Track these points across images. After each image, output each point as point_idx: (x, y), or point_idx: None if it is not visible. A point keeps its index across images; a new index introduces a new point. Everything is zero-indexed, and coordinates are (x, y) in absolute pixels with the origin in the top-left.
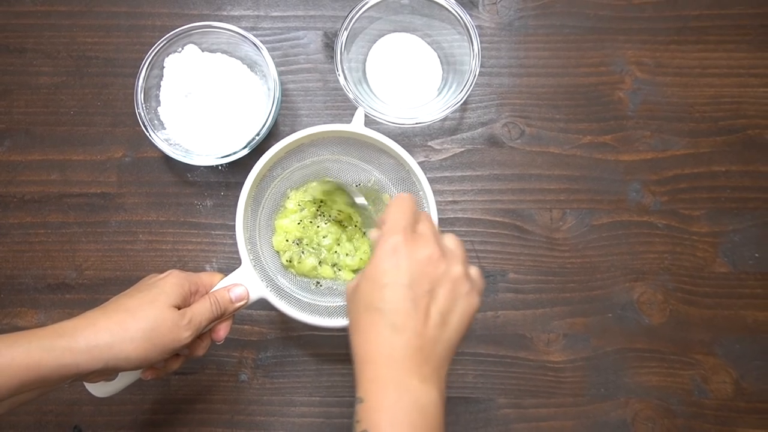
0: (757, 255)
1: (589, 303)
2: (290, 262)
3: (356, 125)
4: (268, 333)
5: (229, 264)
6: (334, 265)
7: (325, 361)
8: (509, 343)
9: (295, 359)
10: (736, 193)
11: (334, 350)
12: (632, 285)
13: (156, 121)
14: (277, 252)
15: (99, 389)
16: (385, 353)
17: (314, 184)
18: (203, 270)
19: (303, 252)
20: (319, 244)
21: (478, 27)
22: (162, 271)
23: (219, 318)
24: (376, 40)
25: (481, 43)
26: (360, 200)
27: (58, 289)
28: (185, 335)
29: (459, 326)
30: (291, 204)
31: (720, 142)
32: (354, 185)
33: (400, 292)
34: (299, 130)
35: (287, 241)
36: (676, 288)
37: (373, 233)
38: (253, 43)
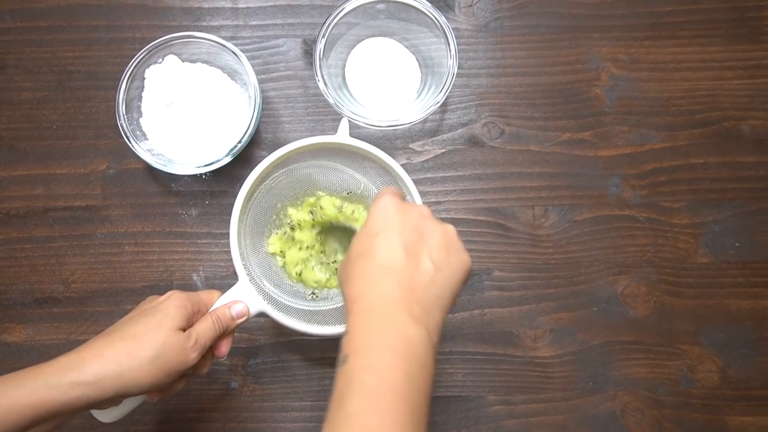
0: (737, 244)
1: (574, 298)
2: (299, 275)
3: (342, 136)
4: (257, 339)
5: (216, 272)
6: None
7: (316, 365)
8: (497, 340)
9: (286, 364)
10: (714, 184)
11: (324, 354)
12: (616, 278)
13: (138, 132)
14: (277, 257)
15: (105, 415)
16: (375, 292)
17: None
18: (191, 279)
19: (314, 266)
20: (328, 259)
21: (455, 29)
22: (149, 282)
23: (221, 335)
24: (355, 45)
25: (458, 44)
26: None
27: (45, 303)
28: (192, 357)
29: (452, 278)
30: (297, 232)
31: (697, 135)
32: (345, 193)
33: (391, 238)
34: (281, 135)
35: (299, 260)
36: (660, 280)
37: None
38: (233, 52)
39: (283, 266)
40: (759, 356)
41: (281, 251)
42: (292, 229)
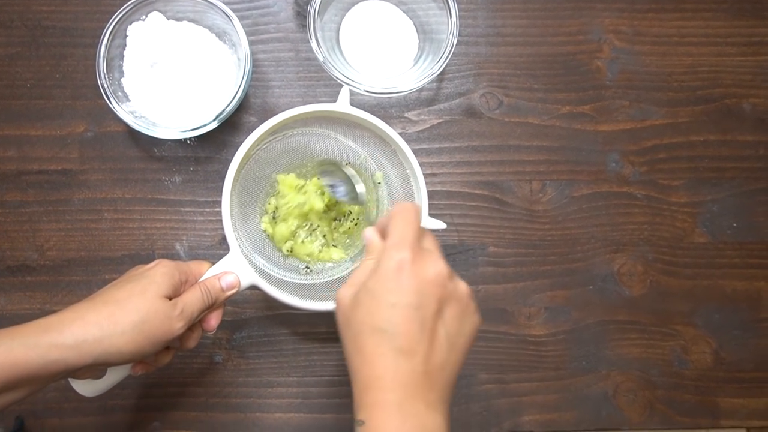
0: (735, 225)
1: (570, 275)
2: (290, 251)
3: (342, 104)
4: (242, 312)
5: (200, 242)
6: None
7: (303, 340)
8: (490, 317)
9: (272, 338)
10: (714, 162)
11: (312, 329)
12: (612, 257)
13: (120, 93)
14: (268, 236)
15: (87, 388)
16: (389, 378)
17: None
18: (173, 249)
19: (306, 237)
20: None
21: None
22: (130, 251)
23: (210, 307)
24: (350, 8)
25: (458, 11)
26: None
27: (18, 272)
28: (178, 326)
29: (465, 348)
30: (288, 192)
31: (698, 112)
32: (344, 163)
33: (407, 314)
34: (270, 101)
35: (290, 231)
36: (656, 259)
37: (368, 233)
38: (222, 11)
39: (273, 243)
40: (753, 338)
41: (268, 229)
42: (274, 217)
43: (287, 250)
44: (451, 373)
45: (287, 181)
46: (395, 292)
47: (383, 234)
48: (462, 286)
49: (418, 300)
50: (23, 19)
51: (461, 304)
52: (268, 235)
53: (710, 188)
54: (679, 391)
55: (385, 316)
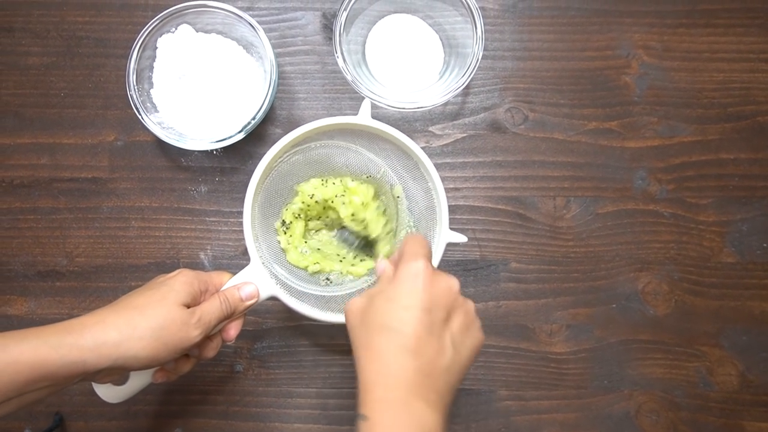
0: (765, 245)
1: (593, 293)
2: (317, 272)
3: (364, 117)
4: (264, 322)
5: (224, 252)
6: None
7: (323, 351)
8: (511, 333)
9: (292, 349)
10: (744, 181)
11: (331, 341)
12: (637, 275)
13: (149, 104)
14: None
15: (109, 393)
16: (395, 374)
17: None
18: (198, 258)
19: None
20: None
21: (481, 8)
22: (155, 259)
23: (229, 317)
24: (376, 21)
25: (484, 25)
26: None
27: (48, 277)
28: (195, 334)
29: (467, 359)
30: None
31: (728, 129)
32: (364, 176)
33: (418, 316)
34: (296, 113)
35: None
36: (682, 278)
37: (380, 263)
38: (250, 24)
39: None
40: None
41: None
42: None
43: (312, 272)
44: (453, 378)
45: (306, 188)
46: (410, 295)
47: (396, 267)
48: (470, 303)
49: (430, 305)
50: (59, 30)
51: (468, 317)
52: (282, 249)
53: (740, 207)
54: (703, 413)
55: (397, 316)
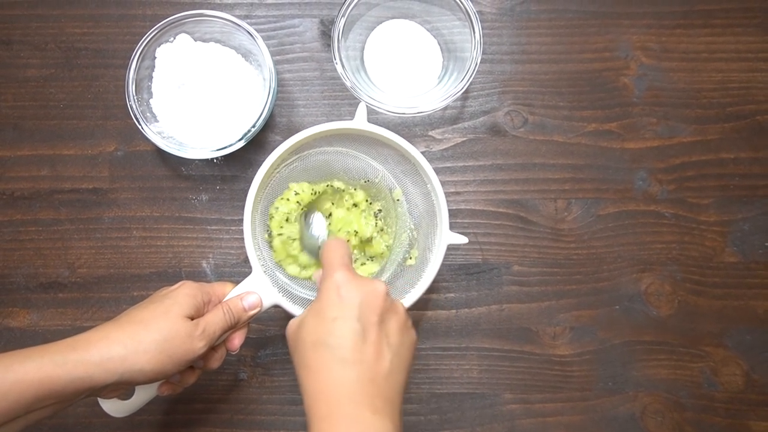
0: (767, 244)
1: (596, 295)
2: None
3: (359, 121)
4: (267, 330)
5: (226, 260)
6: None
7: None
8: (514, 337)
9: None
10: (745, 180)
11: None
12: (639, 276)
13: (148, 114)
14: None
15: (115, 408)
16: (336, 389)
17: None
18: (200, 266)
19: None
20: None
21: (479, 12)
22: (158, 269)
23: (233, 327)
24: (374, 27)
25: (482, 29)
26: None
27: (50, 288)
28: (199, 346)
29: (407, 359)
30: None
31: (728, 129)
32: (363, 181)
33: (348, 325)
34: (295, 120)
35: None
36: (685, 278)
37: (316, 273)
38: (248, 32)
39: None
40: None
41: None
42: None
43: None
44: (397, 381)
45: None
46: (335, 307)
47: None
48: (399, 303)
49: (358, 312)
50: (57, 42)
51: (400, 317)
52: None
53: (741, 206)
54: (708, 414)
55: (326, 330)
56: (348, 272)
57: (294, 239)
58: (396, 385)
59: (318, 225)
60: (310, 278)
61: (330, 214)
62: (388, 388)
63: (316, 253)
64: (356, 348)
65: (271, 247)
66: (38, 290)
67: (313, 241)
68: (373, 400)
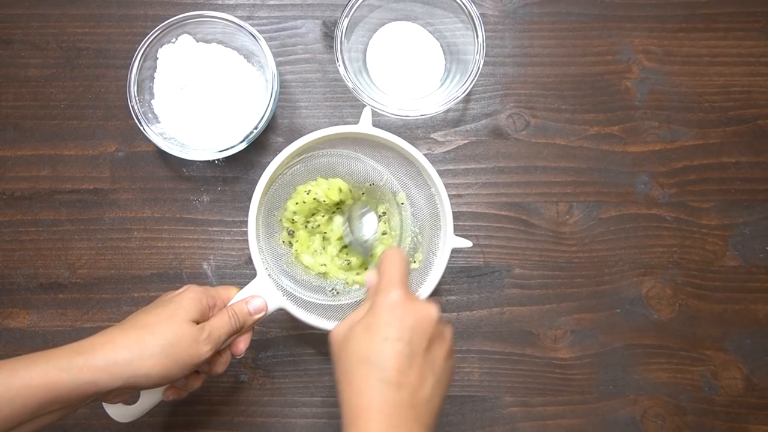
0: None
1: (597, 298)
2: (324, 274)
3: (365, 125)
4: (268, 332)
5: (227, 261)
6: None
7: (328, 360)
8: (515, 339)
9: (297, 358)
10: (746, 184)
11: None
12: (641, 279)
13: (150, 115)
14: (289, 245)
15: (120, 413)
16: (377, 408)
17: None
18: (201, 268)
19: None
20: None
21: (481, 15)
22: (158, 270)
23: (238, 331)
24: (377, 29)
25: (484, 31)
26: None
27: (50, 289)
28: (205, 350)
29: (447, 385)
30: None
31: (730, 133)
32: (367, 184)
33: (398, 348)
34: (297, 121)
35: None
36: (686, 282)
37: (369, 275)
38: (250, 33)
39: (305, 267)
40: None
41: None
42: (291, 234)
43: (321, 274)
44: (435, 406)
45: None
46: (388, 327)
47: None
48: (449, 330)
49: (409, 335)
50: (58, 41)
51: (448, 344)
52: (289, 244)
53: (742, 211)
54: (709, 417)
55: (376, 349)
56: (405, 292)
57: (319, 231)
58: (434, 410)
59: (370, 223)
60: (324, 272)
61: (383, 213)
62: (426, 413)
63: (364, 249)
64: (402, 371)
65: (291, 236)
66: (38, 291)
67: (362, 237)
68: (410, 425)
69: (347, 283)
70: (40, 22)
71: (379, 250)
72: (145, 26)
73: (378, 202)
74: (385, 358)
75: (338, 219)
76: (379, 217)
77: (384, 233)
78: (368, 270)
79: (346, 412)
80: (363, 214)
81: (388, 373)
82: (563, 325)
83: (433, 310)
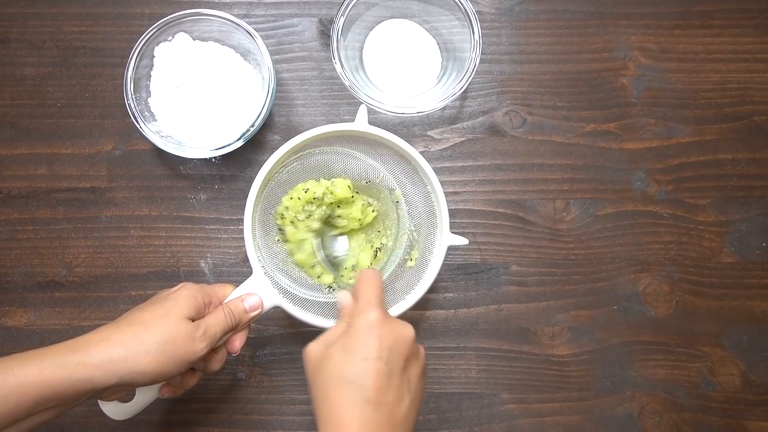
0: (764, 244)
1: (594, 295)
2: (319, 277)
3: (360, 123)
4: (265, 329)
5: (224, 259)
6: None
7: None
8: (513, 337)
9: (294, 356)
10: (742, 181)
11: None
12: (638, 276)
13: (147, 113)
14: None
15: (116, 411)
16: (358, 427)
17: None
18: (198, 266)
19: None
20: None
21: (478, 12)
22: (155, 268)
23: (233, 329)
24: (373, 27)
25: (481, 29)
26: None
27: (47, 287)
28: (200, 347)
29: (421, 401)
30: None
31: (726, 129)
32: (364, 181)
33: (377, 367)
34: (294, 119)
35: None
36: (683, 279)
37: (342, 296)
38: (247, 31)
39: (301, 268)
40: None
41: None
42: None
43: (317, 277)
44: (411, 423)
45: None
46: (367, 347)
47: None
48: (421, 349)
49: (387, 355)
50: (54, 40)
51: (422, 363)
52: (282, 241)
53: (738, 207)
54: (706, 414)
55: (356, 369)
56: (383, 313)
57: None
58: (409, 427)
59: (342, 243)
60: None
61: (380, 248)
62: (404, 430)
63: (333, 265)
64: (381, 390)
65: (282, 232)
66: (35, 289)
67: (333, 254)
68: None
69: (338, 285)
70: (37, 20)
71: (349, 265)
72: (142, 25)
73: (374, 200)
74: (365, 377)
75: (313, 241)
76: (377, 250)
77: (379, 249)
78: (340, 291)
79: (325, 430)
80: (336, 236)
81: (367, 391)
82: (560, 322)
83: (409, 330)
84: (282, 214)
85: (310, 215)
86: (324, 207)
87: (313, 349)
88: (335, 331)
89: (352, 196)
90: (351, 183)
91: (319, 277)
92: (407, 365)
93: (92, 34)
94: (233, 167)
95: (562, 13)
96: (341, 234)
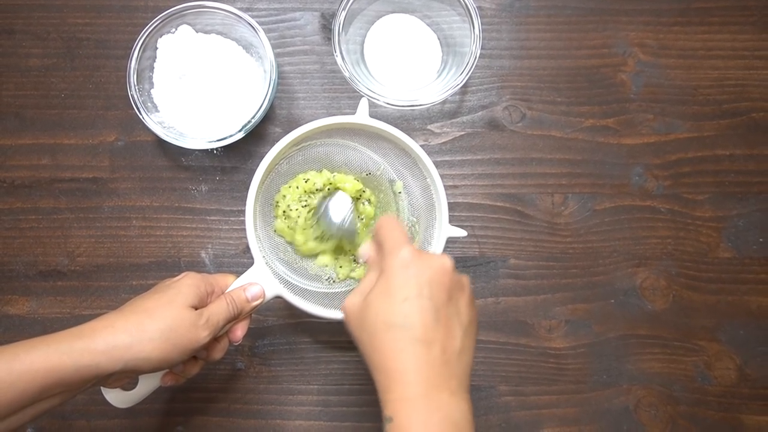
0: (761, 240)
1: (591, 289)
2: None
3: (361, 116)
4: (265, 320)
5: (225, 250)
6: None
7: (324, 348)
8: (510, 329)
9: (293, 346)
10: (740, 177)
11: (332, 337)
12: (635, 270)
13: (149, 104)
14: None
15: (119, 398)
16: (411, 370)
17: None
18: (199, 256)
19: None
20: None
21: (478, 7)
22: (156, 258)
23: (236, 318)
24: (374, 21)
25: (481, 24)
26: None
27: (50, 276)
28: (203, 335)
29: (475, 334)
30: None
31: (724, 126)
32: (364, 174)
33: (420, 305)
34: (295, 112)
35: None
36: (680, 273)
37: (364, 249)
38: (249, 24)
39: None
40: None
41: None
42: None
43: (320, 266)
44: (468, 358)
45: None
46: (405, 287)
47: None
48: (465, 278)
49: (429, 291)
50: (59, 32)
51: (467, 292)
52: (281, 233)
53: (736, 203)
54: (702, 407)
55: (398, 311)
56: (414, 249)
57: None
58: (467, 363)
59: (341, 205)
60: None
61: (366, 199)
62: (460, 368)
63: (331, 233)
64: (430, 327)
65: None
66: (37, 278)
67: (333, 220)
68: (448, 382)
69: (338, 277)
70: (42, 12)
71: (361, 238)
72: (145, 17)
73: (374, 191)
74: (410, 317)
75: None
76: (366, 201)
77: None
78: (363, 245)
79: (380, 378)
80: (329, 199)
81: (415, 331)
82: (558, 316)
83: (446, 261)
84: (278, 202)
85: (306, 205)
86: (321, 195)
87: (351, 302)
88: (369, 279)
89: (363, 190)
90: (356, 176)
91: (317, 257)
92: (452, 296)
93: (96, 25)
94: (234, 159)
95: (562, 9)
96: (336, 189)
